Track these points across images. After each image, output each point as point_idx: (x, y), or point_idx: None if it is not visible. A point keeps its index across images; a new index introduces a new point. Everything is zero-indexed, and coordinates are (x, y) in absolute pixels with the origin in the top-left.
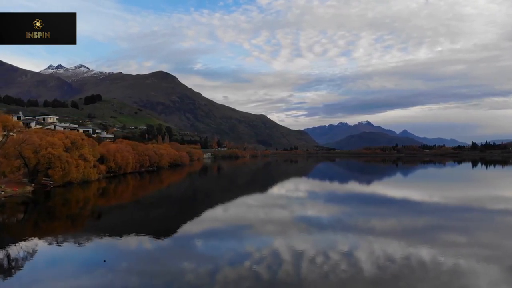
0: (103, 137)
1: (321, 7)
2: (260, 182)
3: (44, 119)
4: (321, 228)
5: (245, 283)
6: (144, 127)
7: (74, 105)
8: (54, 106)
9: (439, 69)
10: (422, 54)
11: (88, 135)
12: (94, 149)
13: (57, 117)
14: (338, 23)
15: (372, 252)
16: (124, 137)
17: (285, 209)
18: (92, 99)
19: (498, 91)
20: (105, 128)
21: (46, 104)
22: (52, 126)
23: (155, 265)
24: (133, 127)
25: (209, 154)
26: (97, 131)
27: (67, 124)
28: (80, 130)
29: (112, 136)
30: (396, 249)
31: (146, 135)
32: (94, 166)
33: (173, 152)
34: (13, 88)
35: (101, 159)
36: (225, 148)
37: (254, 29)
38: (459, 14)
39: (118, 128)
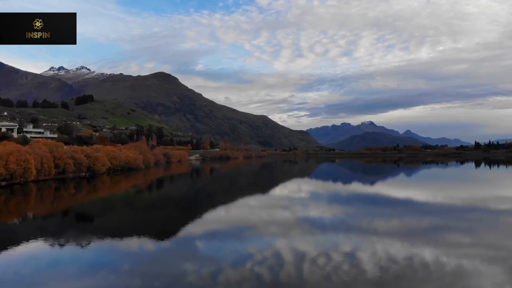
0: (36, 137)
1: (321, 7)
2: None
3: None
4: (323, 229)
5: (248, 284)
6: (135, 128)
7: (65, 105)
8: (44, 107)
9: (441, 68)
10: (424, 53)
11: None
12: None
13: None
14: (339, 23)
15: (375, 253)
16: (78, 139)
17: (286, 210)
18: (84, 100)
19: (501, 90)
20: (95, 129)
21: (35, 105)
22: None
23: (158, 267)
24: (123, 128)
25: (197, 155)
26: (25, 129)
27: None
28: (3, 129)
29: (55, 136)
30: (399, 249)
31: (135, 135)
32: None
33: (124, 154)
34: (14, 90)
35: None
36: (217, 149)
37: (255, 29)
38: (461, 13)
39: (108, 129)
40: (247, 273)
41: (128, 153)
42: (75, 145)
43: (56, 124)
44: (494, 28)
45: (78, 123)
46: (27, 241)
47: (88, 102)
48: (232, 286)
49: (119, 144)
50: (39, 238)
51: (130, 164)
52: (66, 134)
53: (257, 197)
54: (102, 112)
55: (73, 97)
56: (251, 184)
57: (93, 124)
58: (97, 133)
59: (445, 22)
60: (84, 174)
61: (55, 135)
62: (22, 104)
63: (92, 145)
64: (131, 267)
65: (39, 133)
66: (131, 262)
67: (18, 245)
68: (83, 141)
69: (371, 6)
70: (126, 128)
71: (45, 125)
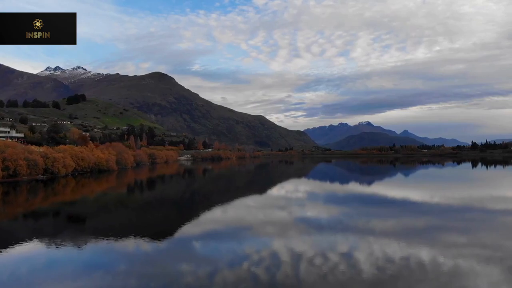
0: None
1: (318, 7)
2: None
3: None
4: (320, 229)
5: (245, 285)
6: (126, 128)
7: (56, 105)
8: (34, 106)
9: (438, 68)
10: (421, 53)
11: None
12: None
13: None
14: (336, 23)
15: (371, 253)
16: (50, 139)
17: (282, 210)
18: (76, 99)
19: (498, 90)
20: (85, 129)
21: (25, 104)
22: None
23: (154, 267)
24: (114, 128)
25: (189, 156)
26: None
27: None
28: None
29: (22, 135)
30: (395, 250)
31: (126, 136)
32: None
33: (95, 155)
34: (10, 90)
35: None
36: (209, 150)
37: (251, 29)
38: (457, 13)
39: (99, 128)
40: (244, 273)
41: (99, 153)
42: (33, 145)
43: (45, 124)
44: (491, 28)
45: (68, 123)
46: None
47: (80, 101)
48: (228, 286)
49: (91, 143)
50: None
51: (101, 166)
52: (49, 134)
53: (253, 198)
54: (94, 112)
55: (65, 97)
56: (246, 186)
57: (83, 124)
58: (88, 133)
59: (442, 22)
60: (41, 176)
61: (21, 135)
62: (12, 103)
63: (66, 145)
64: (126, 267)
65: (5, 132)
66: (127, 263)
67: None
68: (56, 141)
69: (367, 6)
70: (118, 128)
71: (34, 125)
